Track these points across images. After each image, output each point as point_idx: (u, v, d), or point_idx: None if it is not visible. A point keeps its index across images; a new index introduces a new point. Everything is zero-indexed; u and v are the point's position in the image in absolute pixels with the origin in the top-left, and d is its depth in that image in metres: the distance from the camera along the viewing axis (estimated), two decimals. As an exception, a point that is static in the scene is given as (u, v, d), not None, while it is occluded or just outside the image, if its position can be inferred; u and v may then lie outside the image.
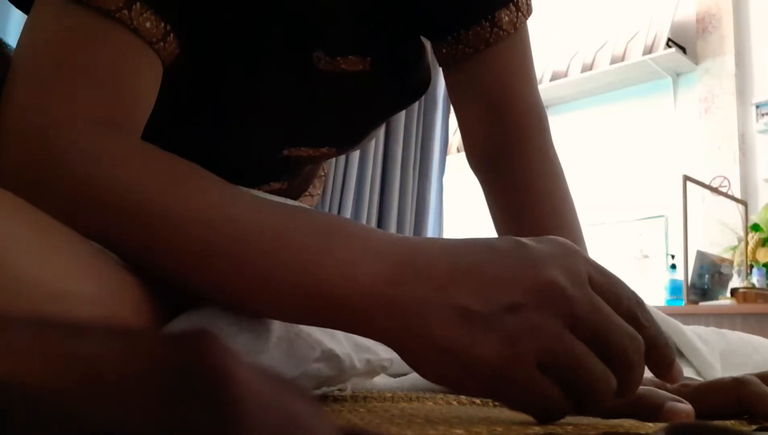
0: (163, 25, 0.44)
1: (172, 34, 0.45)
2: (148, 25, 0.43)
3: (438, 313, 0.32)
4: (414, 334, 0.33)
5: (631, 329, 0.33)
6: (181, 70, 0.49)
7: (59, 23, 0.42)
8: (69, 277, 0.31)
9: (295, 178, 0.78)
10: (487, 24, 0.61)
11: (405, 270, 0.34)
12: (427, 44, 0.69)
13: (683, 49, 3.33)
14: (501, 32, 0.61)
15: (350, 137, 0.71)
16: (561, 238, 0.36)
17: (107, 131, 0.40)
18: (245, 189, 0.39)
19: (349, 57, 0.60)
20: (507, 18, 0.61)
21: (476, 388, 0.34)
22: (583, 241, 0.61)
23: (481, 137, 0.65)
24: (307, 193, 0.87)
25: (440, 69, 0.68)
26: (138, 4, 0.42)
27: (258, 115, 0.61)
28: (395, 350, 0.35)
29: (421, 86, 0.70)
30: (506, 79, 0.63)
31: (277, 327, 0.41)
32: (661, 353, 0.35)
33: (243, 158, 0.66)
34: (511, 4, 0.61)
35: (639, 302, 0.35)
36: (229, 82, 0.58)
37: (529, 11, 0.63)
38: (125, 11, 0.42)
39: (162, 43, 0.45)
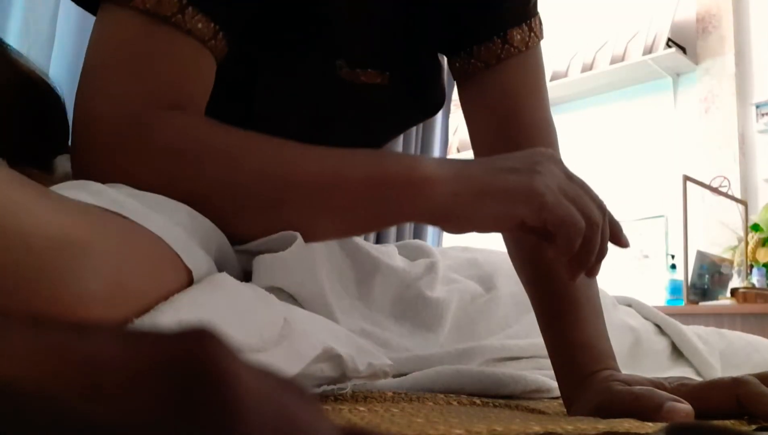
0: (212, 24, 0.50)
1: (221, 33, 0.51)
2: (200, 26, 0.49)
3: (491, 174, 0.46)
4: (473, 190, 0.45)
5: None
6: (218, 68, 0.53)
7: (126, 30, 0.49)
8: (76, 229, 0.31)
9: None
10: (499, 41, 0.63)
11: (453, 162, 0.47)
12: (444, 63, 0.72)
13: (683, 49, 3.33)
14: (512, 49, 0.63)
15: (367, 146, 0.72)
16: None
17: (183, 113, 0.49)
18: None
19: (369, 70, 0.63)
20: (519, 36, 0.63)
21: (528, 215, 0.45)
22: None
23: (490, 151, 0.66)
24: None
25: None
26: (190, 8, 0.48)
27: (280, 119, 0.64)
28: (445, 220, 0.46)
29: (437, 104, 0.72)
30: (516, 94, 0.64)
31: (281, 325, 0.41)
32: (612, 223, 0.49)
33: None
34: (524, 24, 0.63)
35: (600, 200, 0.49)
36: (254, 84, 0.61)
37: (542, 34, 0.65)
38: (179, 15, 0.48)
39: (213, 41, 0.51)
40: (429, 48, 0.68)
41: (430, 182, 0.45)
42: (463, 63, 0.65)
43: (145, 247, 0.36)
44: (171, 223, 0.39)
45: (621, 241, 0.50)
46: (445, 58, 0.69)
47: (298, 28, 0.59)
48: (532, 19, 0.64)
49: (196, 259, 0.39)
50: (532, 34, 0.64)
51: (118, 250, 0.33)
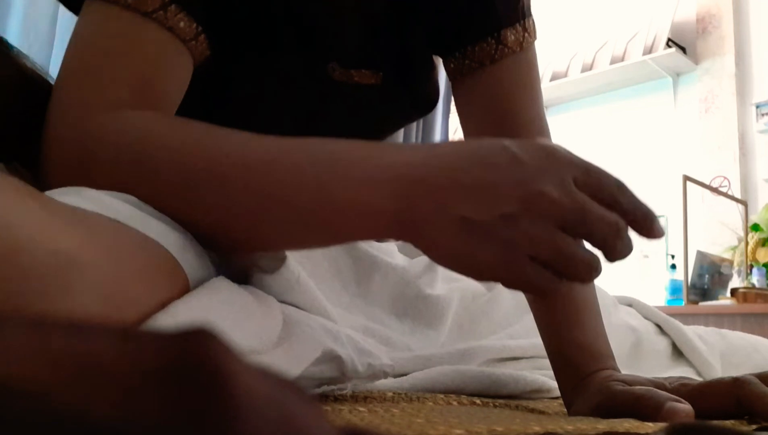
0: (195, 25, 0.48)
1: (203, 35, 0.49)
2: (182, 24, 0.47)
3: (442, 227, 0.36)
4: (421, 245, 0.38)
5: (611, 216, 0.37)
6: (200, 72, 0.51)
7: (102, 26, 0.47)
8: (68, 242, 0.30)
9: None
10: (493, 41, 0.63)
11: (408, 189, 0.37)
12: (438, 62, 0.71)
13: (683, 49, 3.33)
14: (506, 49, 0.63)
15: None
16: (546, 143, 0.39)
17: (135, 112, 0.44)
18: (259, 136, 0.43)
19: (362, 70, 0.63)
20: (513, 37, 0.63)
21: (483, 278, 0.38)
22: None
23: None
24: None
25: (441, 71, 0.69)
26: (173, 6, 0.47)
27: (272, 121, 0.63)
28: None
29: (430, 102, 0.72)
30: (510, 94, 0.64)
31: (279, 327, 0.41)
32: (642, 214, 0.39)
33: None
34: (517, 24, 0.63)
35: (620, 186, 0.39)
36: (245, 87, 0.60)
37: (535, 35, 0.65)
38: (161, 12, 0.46)
39: (194, 42, 0.49)
40: (421, 45, 0.68)
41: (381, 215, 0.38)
42: (457, 63, 0.65)
43: (142, 253, 0.36)
44: (169, 228, 0.39)
45: (653, 232, 0.40)
46: (440, 59, 0.69)
47: (287, 33, 0.58)
48: (526, 20, 0.64)
49: (194, 264, 0.39)
50: (526, 34, 0.64)
51: (113, 259, 0.33)
